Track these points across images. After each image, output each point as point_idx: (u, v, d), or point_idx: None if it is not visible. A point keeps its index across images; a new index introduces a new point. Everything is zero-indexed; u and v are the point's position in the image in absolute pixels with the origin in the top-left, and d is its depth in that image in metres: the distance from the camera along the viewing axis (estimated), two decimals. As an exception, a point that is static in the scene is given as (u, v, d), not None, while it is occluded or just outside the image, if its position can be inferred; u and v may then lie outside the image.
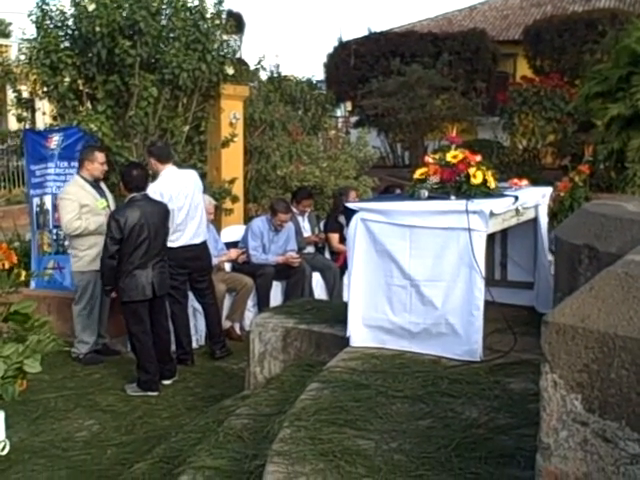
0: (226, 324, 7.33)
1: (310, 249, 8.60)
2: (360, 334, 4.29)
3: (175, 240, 6.29)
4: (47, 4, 7.81)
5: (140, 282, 5.77)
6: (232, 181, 8.70)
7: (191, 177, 6.73)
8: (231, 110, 8.70)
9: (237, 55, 9.90)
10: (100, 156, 6.67)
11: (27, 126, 8.48)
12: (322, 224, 8.92)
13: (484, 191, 4.33)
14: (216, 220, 8.00)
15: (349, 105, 23.20)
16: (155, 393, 5.82)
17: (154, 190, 6.25)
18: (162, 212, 5.98)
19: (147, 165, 6.57)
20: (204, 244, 6.68)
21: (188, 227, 6.44)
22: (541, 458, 2.16)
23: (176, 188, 6.35)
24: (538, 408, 2.26)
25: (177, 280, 6.34)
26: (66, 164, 7.48)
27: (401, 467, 2.82)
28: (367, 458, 2.90)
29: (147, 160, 6.65)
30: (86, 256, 6.50)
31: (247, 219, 9.01)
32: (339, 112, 23.45)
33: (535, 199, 4.83)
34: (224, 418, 4.17)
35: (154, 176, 6.48)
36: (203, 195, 7.42)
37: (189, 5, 8.13)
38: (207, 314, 6.72)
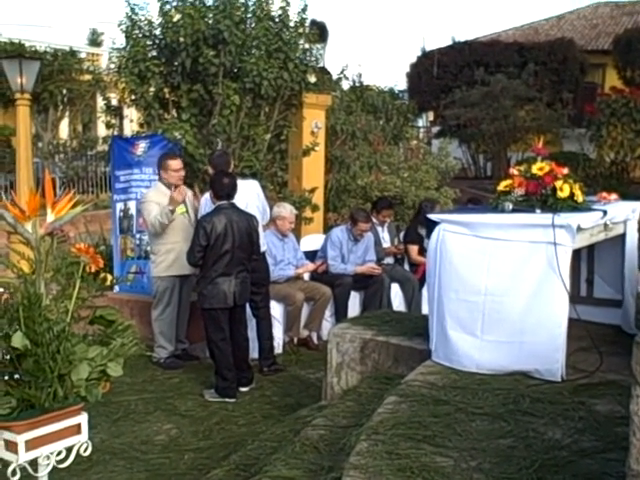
0: (304, 333, 7.34)
1: (389, 260, 8.54)
2: (442, 349, 4.20)
3: None
4: (136, 14, 8.00)
5: (222, 290, 5.82)
6: (312, 190, 8.73)
7: (250, 188, 6.70)
8: (313, 119, 8.74)
9: (320, 64, 9.94)
10: (173, 164, 6.66)
11: (115, 133, 8.70)
12: (402, 235, 8.85)
13: (571, 205, 4.20)
14: (296, 229, 8.03)
15: (431, 115, 23.07)
16: (232, 400, 5.87)
17: (206, 198, 6.30)
18: (249, 222, 6.00)
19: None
20: (262, 256, 6.57)
21: None
22: (630, 486, 2.07)
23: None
24: (626, 432, 2.17)
25: None
26: (151, 171, 7.64)
27: (480, 487, 2.76)
28: (445, 476, 2.84)
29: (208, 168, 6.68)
30: (163, 262, 6.59)
31: (327, 228, 9.01)
32: (421, 122, 23.34)
33: (625, 214, 4.66)
34: (300, 428, 4.17)
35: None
36: (284, 204, 7.46)
37: (272, 14, 8.20)
38: (259, 328, 6.61)
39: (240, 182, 6.61)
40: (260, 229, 6.65)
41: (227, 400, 5.85)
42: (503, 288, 4.02)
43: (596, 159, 16.51)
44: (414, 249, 8.38)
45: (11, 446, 2.56)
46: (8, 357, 2.64)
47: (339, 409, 4.23)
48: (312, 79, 8.40)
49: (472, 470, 2.90)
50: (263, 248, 6.65)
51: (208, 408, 5.72)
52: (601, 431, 3.21)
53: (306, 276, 7.76)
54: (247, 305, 6.36)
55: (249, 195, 6.62)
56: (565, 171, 4.37)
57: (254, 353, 6.63)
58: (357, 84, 13.04)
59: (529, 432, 3.23)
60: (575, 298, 4.57)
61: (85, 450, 2.77)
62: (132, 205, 7.74)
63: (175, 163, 6.69)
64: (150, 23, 8.05)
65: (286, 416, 5.12)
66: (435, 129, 22.19)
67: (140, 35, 8.01)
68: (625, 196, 5.87)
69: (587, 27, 24.44)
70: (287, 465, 3.53)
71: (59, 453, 2.70)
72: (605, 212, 4.29)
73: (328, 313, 7.52)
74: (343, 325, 5.18)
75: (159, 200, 6.51)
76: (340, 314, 7.33)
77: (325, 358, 4.95)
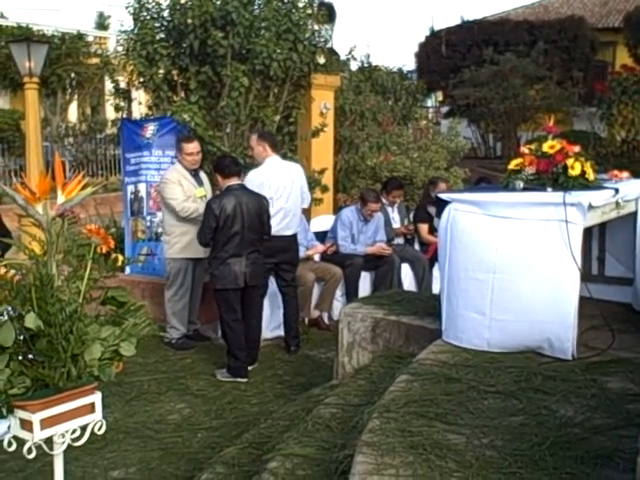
0: (314, 313, 7.37)
1: (399, 240, 8.54)
2: (453, 328, 4.20)
3: None
4: (144, -4, 7.98)
5: (233, 271, 5.85)
6: (322, 171, 8.71)
7: (294, 170, 6.78)
8: (322, 100, 8.71)
9: (328, 45, 9.89)
10: (188, 147, 6.67)
11: (124, 115, 8.70)
12: (412, 215, 8.83)
13: (582, 183, 4.17)
14: (306, 210, 8.02)
15: (440, 95, 22.94)
16: (244, 379, 5.91)
17: (253, 176, 6.33)
18: (258, 203, 6.01)
19: (250, 150, 6.61)
20: (294, 237, 6.71)
21: (280, 218, 6.47)
22: (643, 461, 2.07)
23: (275, 177, 6.42)
24: (639, 409, 2.17)
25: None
26: (160, 153, 7.65)
27: (493, 463, 2.76)
28: (458, 453, 2.84)
29: (255, 144, 6.59)
30: (177, 243, 6.61)
31: (336, 209, 9.01)
32: (430, 102, 23.23)
33: (636, 192, 4.63)
34: (312, 407, 4.19)
35: (256, 163, 6.60)
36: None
37: (281, -5, 8.16)
38: (287, 306, 6.68)
39: (285, 163, 6.76)
40: (299, 212, 6.72)
41: (239, 380, 5.89)
42: (514, 266, 4.00)
43: (607, 138, 16.37)
44: (424, 228, 8.38)
45: (26, 425, 2.58)
46: (22, 338, 2.66)
47: (351, 388, 4.24)
48: (321, 60, 8.36)
49: (484, 447, 2.90)
50: (297, 229, 6.72)
51: (220, 388, 5.76)
52: (613, 408, 3.21)
53: (316, 257, 7.76)
54: (274, 284, 6.59)
55: (294, 176, 6.69)
56: (576, 149, 4.34)
57: (266, 332, 6.70)
58: (365, 64, 12.96)
59: (541, 410, 3.23)
60: (586, 276, 4.56)
61: (99, 429, 2.78)
62: (142, 187, 7.76)
63: (189, 146, 6.69)
64: (158, 5, 8.03)
65: (298, 395, 5.15)
66: (444, 109, 22.09)
67: (148, 17, 7.99)
68: (637, 174, 5.84)
69: (597, 5, 24.20)
70: (300, 443, 3.55)
71: (74, 431, 2.71)
72: (617, 190, 4.26)
73: (339, 293, 7.54)
74: (354, 305, 5.18)
75: (179, 180, 6.54)
76: (351, 294, 7.35)
77: (336, 338, 4.96)
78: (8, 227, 7.01)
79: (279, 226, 6.45)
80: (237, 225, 5.84)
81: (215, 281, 5.94)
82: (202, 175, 6.90)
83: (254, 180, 6.32)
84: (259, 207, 5.99)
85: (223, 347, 6.19)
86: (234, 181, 5.99)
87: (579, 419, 3.13)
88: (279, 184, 6.43)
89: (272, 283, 7.01)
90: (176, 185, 6.52)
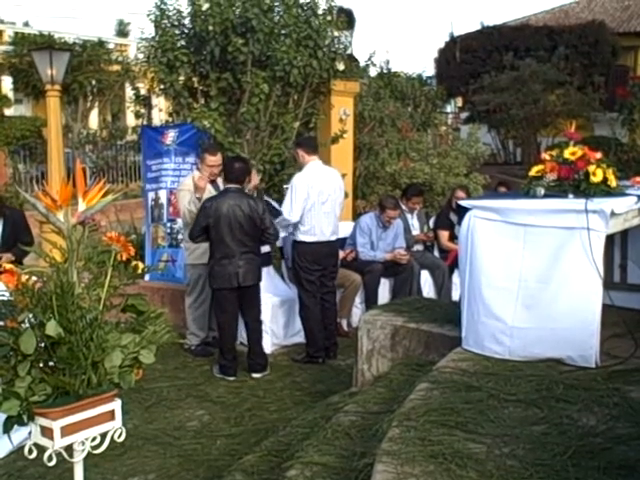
0: (333, 320, 7.34)
1: (419, 247, 8.50)
2: (473, 335, 4.18)
3: (312, 234, 6.39)
4: (165, 4, 8.01)
5: (227, 271, 5.94)
6: (341, 177, 8.69)
7: (335, 174, 6.78)
8: (341, 106, 8.71)
9: (348, 51, 9.90)
10: (210, 159, 6.61)
11: (144, 122, 8.74)
12: (432, 221, 8.80)
13: (604, 190, 4.14)
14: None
15: (459, 101, 22.90)
16: (231, 378, 6.07)
17: (300, 180, 6.34)
18: (251, 206, 5.99)
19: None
20: (337, 242, 6.76)
21: (327, 223, 6.47)
22: (668, 473, 2.04)
23: (318, 181, 6.40)
24: (663, 419, 2.14)
25: (313, 275, 6.44)
26: (180, 160, 7.68)
27: (514, 473, 2.73)
28: (478, 462, 2.82)
29: (294, 152, 6.70)
30: (197, 249, 6.61)
31: (355, 216, 8.99)
32: (449, 108, 23.19)
33: (659, 198, 4.58)
34: (332, 414, 4.17)
35: (299, 168, 6.60)
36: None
37: (301, 1, 8.16)
38: (328, 313, 6.66)
39: (327, 168, 6.78)
40: (337, 215, 6.65)
41: (227, 378, 6.08)
42: (535, 274, 3.98)
43: (628, 143, 16.26)
44: (444, 235, 8.34)
45: (47, 432, 2.59)
46: (43, 345, 2.67)
47: (370, 395, 4.22)
48: (340, 67, 8.36)
49: (505, 456, 2.88)
50: (333, 237, 6.67)
51: (239, 395, 5.76)
52: (636, 417, 3.17)
53: (336, 263, 7.74)
54: (293, 290, 6.64)
55: (338, 181, 6.72)
56: (598, 155, 4.31)
57: (284, 339, 6.79)
58: (385, 70, 12.97)
59: (563, 419, 3.20)
60: (608, 284, 4.51)
61: (119, 436, 2.79)
62: (163, 194, 7.79)
63: (210, 159, 6.63)
64: (179, 12, 8.07)
65: (317, 402, 5.14)
66: (464, 115, 22.04)
67: (169, 24, 8.02)
68: (659, 180, 5.77)
69: (619, 9, 24.05)
70: (319, 451, 3.54)
71: (94, 439, 2.72)
72: (639, 197, 4.23)
73: (358, 300, 7.51)
74: (374, 312, 5.17)
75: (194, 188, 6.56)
76: (370, 301, 7.32)
77: (356, 345, 4.95)
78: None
79: (326, 231, 6.46)
80: (229, 226, 5.91)
81: (212, 281, 6.07)
82: (220, 182, 6.90)
83: (297, 184, 6.32)
84: (251, 210, 5.98)
85: (243, 354, 6.21)
86: (234, 185, 6.07)
87: (601, 428, 3.10)
88: (322, 188, 6.40)
89: (291, 288, 7.02)
90: (187, 192, 6.53)
